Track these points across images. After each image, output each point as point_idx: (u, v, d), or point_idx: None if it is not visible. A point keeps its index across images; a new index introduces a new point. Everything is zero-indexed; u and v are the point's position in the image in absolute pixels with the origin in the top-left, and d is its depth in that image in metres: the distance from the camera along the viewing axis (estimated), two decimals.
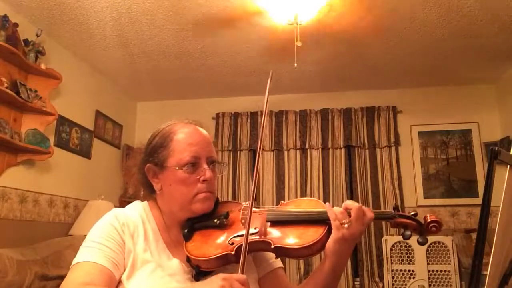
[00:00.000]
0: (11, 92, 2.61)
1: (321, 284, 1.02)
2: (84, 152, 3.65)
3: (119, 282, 0.97)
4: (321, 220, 1.00)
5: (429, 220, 0.99)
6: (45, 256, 2.52)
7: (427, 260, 3.48)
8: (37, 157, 2.92)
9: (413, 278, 3.47)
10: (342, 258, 0.99)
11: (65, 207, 3.36)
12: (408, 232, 1.00)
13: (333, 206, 1.00)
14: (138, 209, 1.09)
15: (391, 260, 3.55)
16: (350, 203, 0.99)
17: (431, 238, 3.50)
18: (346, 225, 0.95)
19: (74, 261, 0.96)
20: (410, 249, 3.54)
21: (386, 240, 3.60)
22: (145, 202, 1.13)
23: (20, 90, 2.72)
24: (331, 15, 2.86)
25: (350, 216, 0.97)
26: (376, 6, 2.77)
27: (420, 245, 1.00)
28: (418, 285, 3.44)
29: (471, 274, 0.73)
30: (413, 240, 1.03)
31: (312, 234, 0.97)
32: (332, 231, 0.96)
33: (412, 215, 1.01)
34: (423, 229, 1.00)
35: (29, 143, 2.81)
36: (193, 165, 1.05)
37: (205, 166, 1.06)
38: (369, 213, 0.98)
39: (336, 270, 1.00)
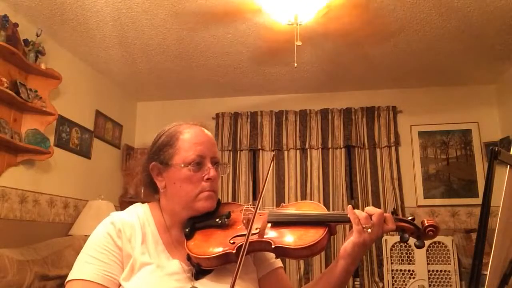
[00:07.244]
0: (11, 92, 2.61)
1: (334, 283, 1.04)
2: (84, 152, 3.65)
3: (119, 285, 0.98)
4: (322, 222, 1.02)
5: (426, 224, 1.01)
6: (45, 256, 2.51)
7: (427, 260, 3.49)
8: (37, 157, 2.92)
9: (413, 278, 3.48)
10: (356, 260, 1.02)
11: (65, 207, 3.36)
12: (406, 235, 1.02)
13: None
14: (137, 212, 1.10)
15: (391, 260, 3.55)
16: (371, 209, 1.01)
17: None
18: (369, 230, 0.98)
19: (69, 276, 0.98)
20: (410, 249, 3.54)
21: (386, 240, 3.60)
22: (145, 204, 1.14)
23: (20, 90, 2.72)
24: (330, 15, 2.87)
25: (372, 220, 0.99)
26: (376, 6, 2.77)
27: (417, 249, 1.01)
28: (418, 285, 3.44)
29: (471, 274, 0.73)
30: (413, 241, 1.06)
31: (313, 235, 0.99)
32: (354, 234, 0.99)
33: (410, 219, 1.03)
34: (420, 233, 1.01)
35: (29, 143, 2.81)
36: (198, 163, 1.07)
37: (209, 165, 1.08)
38: (391, 224, 1.00)
39: (349, 271, 1.03)
